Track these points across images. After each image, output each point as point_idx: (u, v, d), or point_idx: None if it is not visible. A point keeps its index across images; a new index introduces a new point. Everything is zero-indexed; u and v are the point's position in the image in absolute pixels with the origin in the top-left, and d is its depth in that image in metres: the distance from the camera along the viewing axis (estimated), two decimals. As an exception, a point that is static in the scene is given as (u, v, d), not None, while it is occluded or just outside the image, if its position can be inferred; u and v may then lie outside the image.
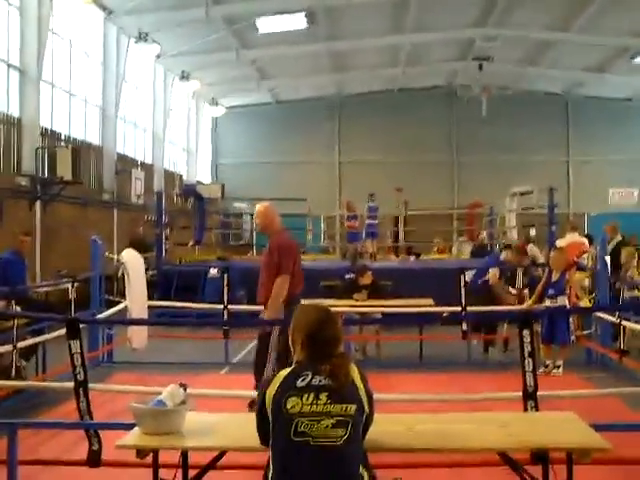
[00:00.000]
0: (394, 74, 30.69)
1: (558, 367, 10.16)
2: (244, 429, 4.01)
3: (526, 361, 5.34)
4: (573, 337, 10.36)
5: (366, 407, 3.50)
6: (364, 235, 21.95)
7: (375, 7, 22.96)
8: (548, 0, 22.17)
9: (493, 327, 11.94)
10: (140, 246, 15.07)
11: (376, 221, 22.03)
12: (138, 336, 9.58)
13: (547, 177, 28.21)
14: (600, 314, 10.68)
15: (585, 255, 14.24)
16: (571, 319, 10.40)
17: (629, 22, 23.53)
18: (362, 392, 3.49)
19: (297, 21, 22.78)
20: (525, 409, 5.25)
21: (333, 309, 3.81)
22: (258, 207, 7.90)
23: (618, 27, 23.94)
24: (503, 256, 12.91)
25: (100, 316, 10.50)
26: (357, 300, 11.91)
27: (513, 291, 12.35)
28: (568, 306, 10.37)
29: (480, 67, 27.58)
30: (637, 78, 29.88)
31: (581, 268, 12.77)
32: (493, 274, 12.18)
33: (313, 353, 3.51)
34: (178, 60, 25.41)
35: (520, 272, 12.51)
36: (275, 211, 7.91)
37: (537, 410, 5.23)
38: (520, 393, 5.33)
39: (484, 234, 23.04)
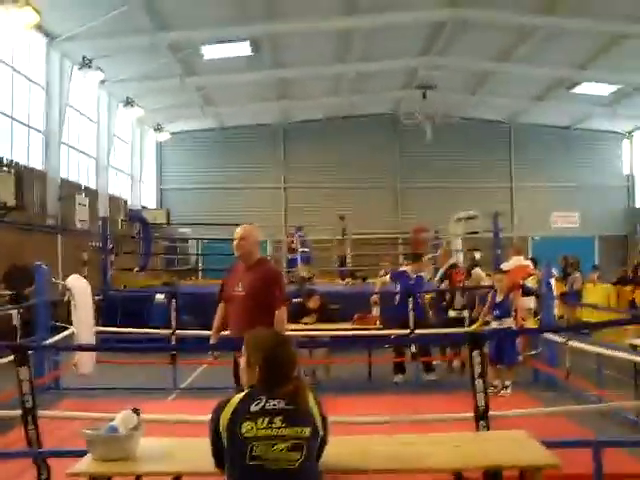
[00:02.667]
0: (339, 101, 30.93)
1: (506, 387, 10.30)
2: (199, 453, 4.00)
3: (476, 381, 5.41)
4: (520, 357, 10.52)
5: (320, 430, 3.52)
6: (298, 260, 22.25)
7: (320, 36, 23.13)
8: (489, 31, 22.58)
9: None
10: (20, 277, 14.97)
11: (307, 249, 22.48)
12: (85, 361, 9.47)
13: (491, 202, 28.80)
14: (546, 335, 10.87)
15: (530, 278, 14.47)
16: (518, 340, 10.58)
17: (566, 54, 24.16)
18: (316, 415, 3.51)
19: (242, 48, 22.85)
20: (477, 429, 5.31)
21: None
22: (245, 227, 7.19)
23: (556, 58, 24.54)
24: (408, 267, 13.08)
25: (47, 341, 10.34)
26: (306, 324, 11.92)
27: (452, 314, 12.56)
28: (514, 327, 10.54)
29: (424, 95, 27.92)
30: (574, 107, 30.69)
31: (526, 291, 12.97)
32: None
33: (269, 377, 3.51)
34: (122, 86, 25.26)
35: (458, 293, 12.69)
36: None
37: (488, 430, 5.30)
38: (472, 413, 5.40)
39: (426, 258, 23.24)
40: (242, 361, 3.65)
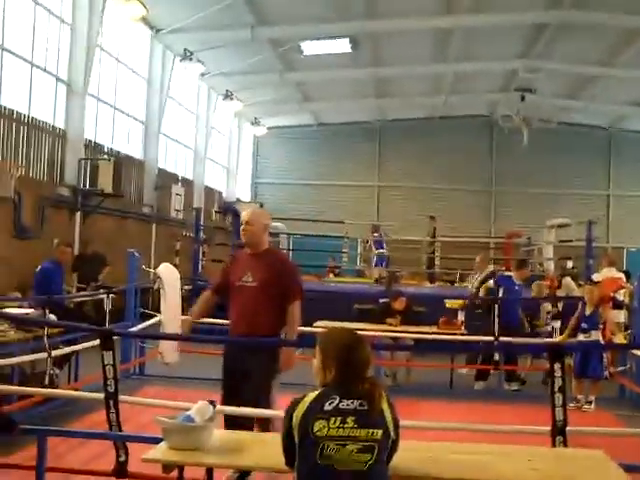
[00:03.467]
0: (436, 102, 30.69)
1: (590, 402, 10.07)
2: (269, 449, 4.04)
3: (556, 395, 5.30)
4: (606, 373, 10.25)
5: (392, 433, 3.50)
6: (373, 263, 22.10)
7: (419, 35, 23.01)
8: (593, 34, 22.02)
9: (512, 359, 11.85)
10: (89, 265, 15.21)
11: (384, 251, 22.15)
12: (170, 350, 9.63)
13: (587, 210, 28.06)
14: (636, 351, 10.56)
15: (622, 291, 14.09)
16: (605, 355, 10.31)
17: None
18: (389, 418, 3.50)
19: (341, 45, 22.92)
20: (553, 444, 5.21)
21: (366, 333, 3.83)
22: (252, 211, 6.53)
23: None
24: (514, 274, 12.78)
25: (134, 329, 10.59)
26: (390, 325, 11.90)
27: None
28: (601, 341, 10.28)
29: (522, 98, 27.42)
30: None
31: (617, 304, 12.64)
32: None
33: (343, 377, 3.52)
34: (222, 79, 25.68)
35: (545, 306, 12.40)
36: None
37: (565, 446, 5.19)
38: (549, 427, 5.30)
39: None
40: (315, 360, 3.66)
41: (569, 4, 20.00)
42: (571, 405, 9.57)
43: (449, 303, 13.93)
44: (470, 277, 15.17)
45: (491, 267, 14.44)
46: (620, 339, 11.40)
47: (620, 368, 11.40)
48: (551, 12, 20.90)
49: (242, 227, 6.29)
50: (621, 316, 13.00)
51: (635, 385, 10.62)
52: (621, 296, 13.75)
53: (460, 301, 13.65)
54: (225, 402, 6.02)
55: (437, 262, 23.37)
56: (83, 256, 16.16)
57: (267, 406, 5.98)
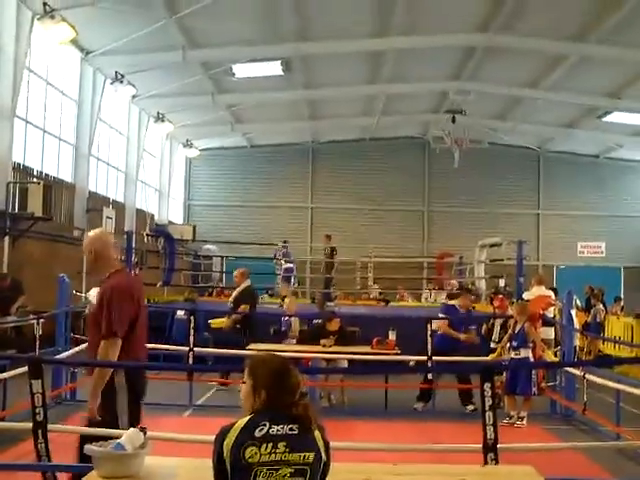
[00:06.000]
0: (368, 123, 31.00)
1: (522, 418, 10.23)
2: (201, 473, 4.00)
3: (487, 414, 5.37)
4: (535, 389, 10.43)
5: (324, 455, 3.51)
6: (280, 279, 22.21)
7: (351, 57, 23.22)
8: (521, 57, 22.54)
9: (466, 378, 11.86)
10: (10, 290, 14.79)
11: (292, 265, 22.36)
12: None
13: (517, 229, 28.72)
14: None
15: (551, 308, 14.37)
16: (534, 372, 10.48)
17: (598, 82, 24.07)
18: (319, 440, 3.50)
19: (273, 68, 23.00)
20: (485, 462, 5.27)
21: (301, 355, 3.82)
22: (87, 237, 5.69)
23: (588, 86, 24.50)
24: (457, 302, 12.88)
25: (65, 354, 10.41)
26: (324, 346, 11.90)
27: (493, 345, 12.25)
28: (531, 359, 10.46)
29: (453, 120, 27.88)
30: (605, 136, 30.54)
31: (547, 321, 12.88)
32: (443, 324, 12.19)
33: (273, 402, 3.51)
34: (153, 102, 25.53)
35: (498, 324, 12.48)
36: (111, 241, 5.73)
37: (497, 463, 5.25)
38: (481, 445, 5.36)
39: (454, 282, 23.19)
40: (244, 385, 3.64)
41: (497, 28, 20.43)
42: (504, 421, 9.72)
43: (214, 323, 13.59)
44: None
45: None
46: (550, 356, 11.61)
47: (550, 383, 11.62)
48: (480, 35, 21.34)
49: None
50: (551, 333, 13.25)
51: (565, 400, 10.83)
52: (551, 313, 14.02)
53: (222, 319, 13.44)
54: None
55: (370, 282, 23.54)
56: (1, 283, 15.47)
57: None
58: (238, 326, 12.96)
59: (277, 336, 13.59)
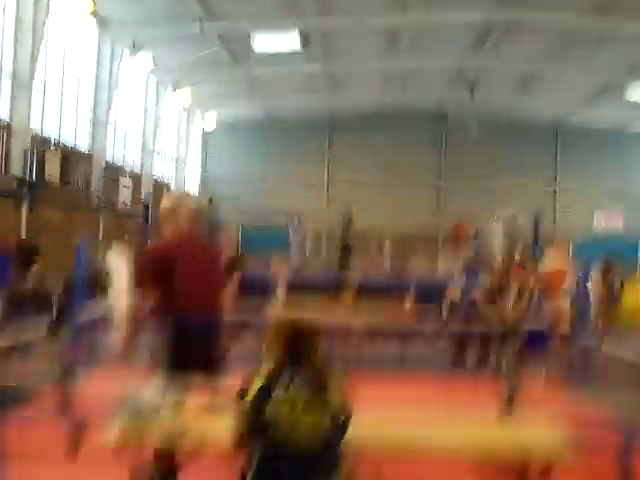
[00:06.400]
0: (386, 97, 30.91)
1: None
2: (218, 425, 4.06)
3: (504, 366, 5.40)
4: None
5: (343, 413, 3.55)
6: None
7: (370, 31, 23.14)
8: (540, 32, 22.38)
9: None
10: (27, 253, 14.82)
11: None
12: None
13: (534, 202, 28.44)
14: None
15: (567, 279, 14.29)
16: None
17: (621, 57, 23.84)
18: (337, 400, 3.54)
19: (291, 41, 22.89)
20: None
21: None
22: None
23: (610, 61, 24.27)
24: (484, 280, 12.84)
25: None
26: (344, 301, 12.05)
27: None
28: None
29: (471, 93, 27.74)
30: (625, 111, 30.26)
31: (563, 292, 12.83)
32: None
33: (292, 361, 3.55)
34: (171, 72, 25.56)
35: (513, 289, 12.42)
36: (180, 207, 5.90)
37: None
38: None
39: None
40: (265, 344, 3.68)
41: (516, 2, 20.25)
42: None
43: None
44: None
45: None
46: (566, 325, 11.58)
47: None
48: (499, 10, 21.16)
49: None
50: (566, 305, 13.20)
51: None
52: (566, 285, 13.96)
53: None
54: None
55: (385, 253, 23.53)
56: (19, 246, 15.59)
57: None
58: None
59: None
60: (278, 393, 3.43)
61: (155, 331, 5.50)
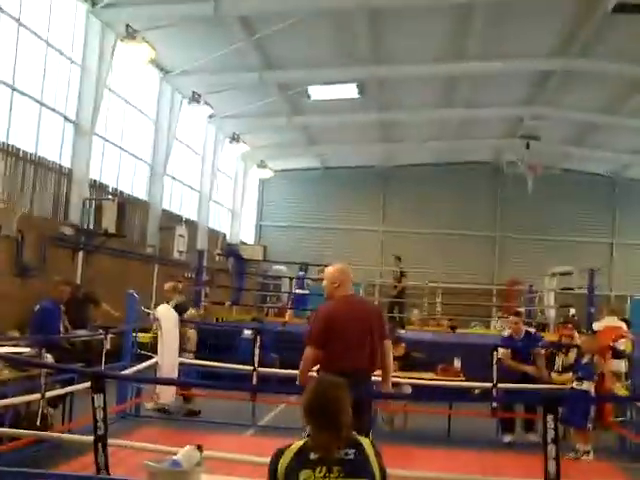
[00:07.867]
0: (442, 147, 30.90)
1: (587, 453, 9.94)
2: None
3: (549, 447, 5.24)
4: (590, 425, 9.98)
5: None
6: (288, 305, 22.02)
7: (426, 81, 23.24)
8: (598, 82, 22.20)
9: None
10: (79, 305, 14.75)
11: (307, 291, 22.07)
12: (166, 391, 9.61)
13: (590, 258, 27.99)
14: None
15: (622, 340, 13.97)
16: (592, 406, 10.11)
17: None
18: (375, 466, 3.47)
19: (348, 90, 23.11)
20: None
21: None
22: (337, 266, 6.90)
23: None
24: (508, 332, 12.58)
25: (130, 370, 10.54)
26: None
27: (554, 375, 11.89)
28: (592, 393, 10.14)
29: (527, 145, 27.58)
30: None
31: (617, 353, 12.53)
32: (504, 352, 11.87)
33: (315, 426, 3.50)
34: (229, 122, 25.90)
35: (561, 355, 12.11)
36: (344, 276, 6.80)
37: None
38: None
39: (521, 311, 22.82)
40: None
41: (576, 52, 20.16)
42: (570, 455, 9.49)
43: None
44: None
45: None
46: (620, 389, 11.29)
47: (620, 418, 11.28)
48: (557, 59, 21.08)
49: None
50: (622, 366, 12.89)
51: (635, 436, 10.50)
52: (622, 345, 13.63)
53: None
54: None
55: (438, 308, 23.33)
56: (74, 299, 15.57)
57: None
58: None
59: None
60: (314, 456, 3.38)
61: None
